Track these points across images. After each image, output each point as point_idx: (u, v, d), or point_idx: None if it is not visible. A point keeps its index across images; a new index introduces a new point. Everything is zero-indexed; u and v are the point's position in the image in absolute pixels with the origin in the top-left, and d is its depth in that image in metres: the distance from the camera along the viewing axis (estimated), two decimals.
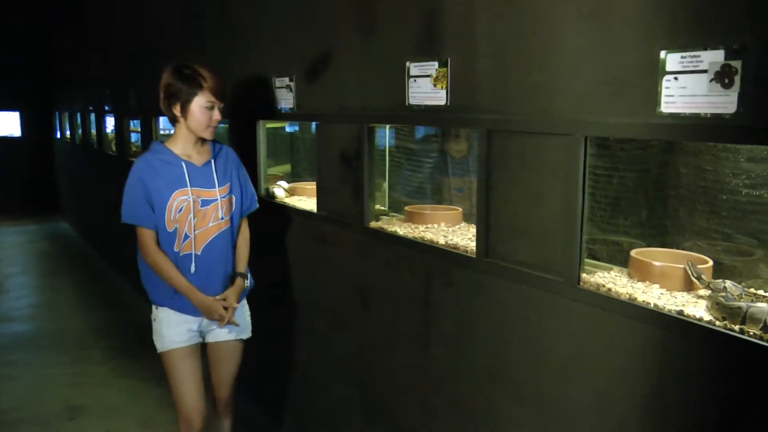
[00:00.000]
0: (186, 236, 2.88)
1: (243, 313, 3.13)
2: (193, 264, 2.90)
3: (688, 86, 1.65)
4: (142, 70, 6.02)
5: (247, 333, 3.15)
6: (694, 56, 1.64)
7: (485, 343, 2.38)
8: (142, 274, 2.99)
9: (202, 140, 2.93)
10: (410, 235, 2.76)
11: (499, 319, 2.30)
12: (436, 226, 2.93)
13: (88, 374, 4.92)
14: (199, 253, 2.91)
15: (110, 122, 7.68)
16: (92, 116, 8.55)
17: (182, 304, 2.92)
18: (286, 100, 3.44)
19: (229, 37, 4.17)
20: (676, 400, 1.77)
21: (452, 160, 3.48)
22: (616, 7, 1.84)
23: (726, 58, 1.58)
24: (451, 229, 2.89)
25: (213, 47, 4.40)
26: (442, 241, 2.62)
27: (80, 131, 9.51)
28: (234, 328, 3.07)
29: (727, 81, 1.58)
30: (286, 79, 3.39)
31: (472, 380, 2.46)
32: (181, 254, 2.88)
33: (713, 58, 1.61)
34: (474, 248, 2.42)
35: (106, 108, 7.64)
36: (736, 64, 1.56)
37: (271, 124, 3.99)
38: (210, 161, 2.95)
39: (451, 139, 3.50)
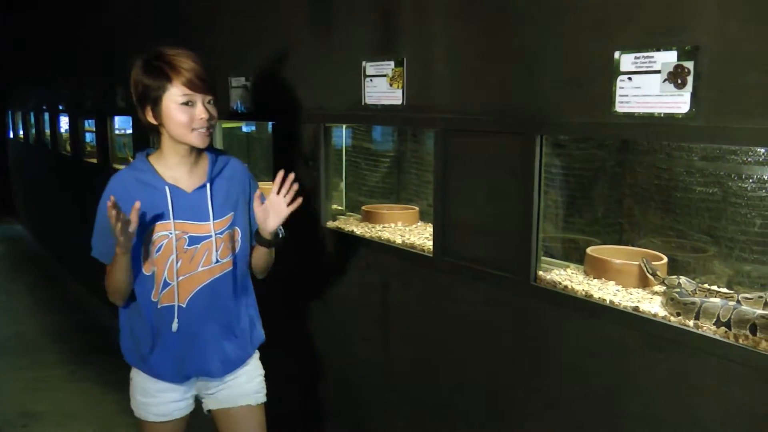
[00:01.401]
0: (166, 283, 2.14)
1: (254, 374, 2.37)
2: (175, 320, 2.16)
3: (642, 86, 1.66)
4: (96, 69, 5.89)
5: (260, 397, 2.37)
6: (648, 57, 1.65)
7: (443, 341, 2.37)
8: (120, 328, 2.31)
9: (197, 152, 2.16)
10: (367, 235, 2.74)
11: (457, 318, 2.29)
12: (393, 225, 2.91)
13: (43, 379, 4.78)
14: (183, 306, 2.16)
15: (65, 122, 7.52)
16: (46, 115, 8.37)
17: (160, 368, 2.22)
18: (241, 99, 3.38)
19: (183, 35, 4.09)
20: (633, 396, 1.78)
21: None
22: (570, 8, 1.84)
23: (678, 59, 1.59)
24: (408, 229, 2.86)
25: (168, 45, 4.31)
26: (399, 240, 2.60)
27: (34, 131, 9.30)
28: (243, 392, 2.33)
29: (679, 81, 1.58)
30: (242, 79, 3.34)
31: (430, 378, 2.44)
32: (159, 306, 2.15)
33: (666, 58, 1.61)
34: (431, 247, 2.40)
35: (60, 107, 7.48)
36: (689, 64, 1.57)
37: (227, 124, 3.93)
38: (204, 185, 2.16)
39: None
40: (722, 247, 2.07)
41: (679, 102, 1.59)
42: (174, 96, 2.05)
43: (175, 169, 2.14)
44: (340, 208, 3.16)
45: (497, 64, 2.05)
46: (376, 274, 2.64)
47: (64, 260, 7.86)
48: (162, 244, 2.11)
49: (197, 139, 2.08)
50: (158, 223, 2.10)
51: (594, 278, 2.09)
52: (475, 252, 2.20)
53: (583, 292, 1.94)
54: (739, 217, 2.00)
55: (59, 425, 4.09)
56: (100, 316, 5.93)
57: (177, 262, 2.13)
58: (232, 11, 3.50)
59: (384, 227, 2.88)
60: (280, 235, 2.24)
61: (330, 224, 2.93)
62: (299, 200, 2.13)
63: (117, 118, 5.69)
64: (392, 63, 2.41)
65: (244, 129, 4.62)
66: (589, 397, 1.89)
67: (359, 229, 2.84)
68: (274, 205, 2.13)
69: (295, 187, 2.14)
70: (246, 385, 2.32)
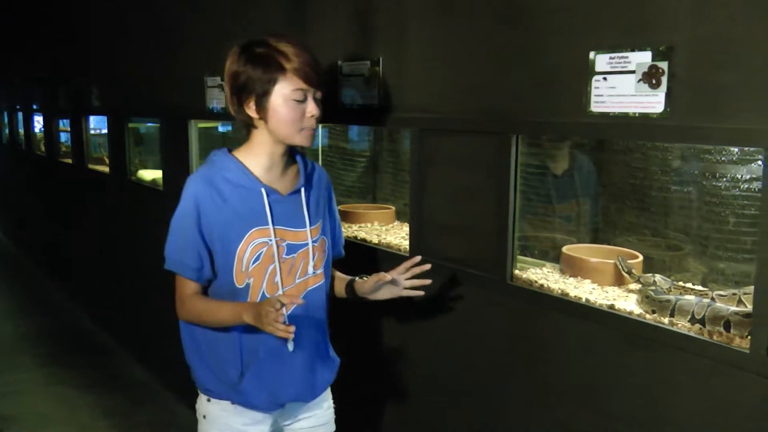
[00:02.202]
0: (265, 297, 1.87)
1: (330, 402, 2.16)
2: (291, 338, 1.87)
3: (617, 86, 1.65)
4: (70, 68, 5.81)
5: (332, 426, 2.16)
6: (622, 57, 1.64)
7: (418, 340, 2.35)
8: (186, 346, 2.00)
9: (290, 153, 1.95)
10: (343, 235, 2.71)
11: (433, 317, 2.27)
12: (369, 225, 2.89)
13: (19, 383, 4.70)
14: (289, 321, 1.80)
15: (39, 121, 7.41)
16: (20, 115, 8.24)
17: (253, 396, 1.93)
18: (218, 99, 3.34)
19: (158, 34, 4.04)
20: (608, 393, 1.77)
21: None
22: (545, 9, 1.83)
23: (653, 59, 1.58)
24: (384, 228, 2.85)
25: (142, 44, 4.26)
26: (375, 240, 2.58)
27: (7, 131, 9.16)
28: (322, 422, 2.11)
29: (654, 81, 1.58)
30: (218, 79, 3.30)
31: (404, 378, 2.43)
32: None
33: (641, 59, 1.61)
34: (407, 247, 2.38)
35: (35, 107, 7.37)
36: (663, 65, 1.57)
37: (203, 124, 3.88)
38: (299, 189, 1.95)
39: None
40: (697, 246, 2.07)
41: (654, 102, 1.59)
42: (285, 89, 1.81)
43: (269, 169, 1.91)
44: None
45: (473, 63, 2.04)
46: (352, 273, 2.62)
47: (40, 262, 7.75)
48: (261, 253, 1.86)
49: (305, 139, 1.86)
50: (254, 229, 1.86)
51: (570, 277, 2.08)
52: (452, 251, 2.19)
53: (559, 291, 1.94)
54: (713, 215, 2.01)
55: (36, 429, 4.02)
56: (77, 319, 5.86)
57: (279, 272, 1.89)
58: (207, 10, 3.46)
59: (360, 227, 2.86)
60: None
61: None
62: (419, 289, 2.00)
63: (92, 118, 5.61)
64: (368, 63, 2.40)
65: (220, 129, 4.58)
66: (565, 395, 1.88)
67: None
68: (396, 282, 1.98)
69: (426, 281, 1.99)
70: (326, 414, 2.12)
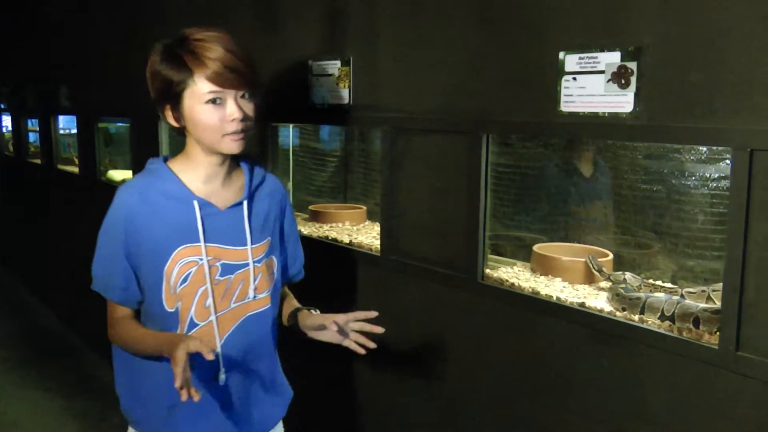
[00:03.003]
0: (193, 324, 1.65)
1: None
2: (221, 370, 1.67)
3: (587, 86, 1.65)
4: (38, 66, 5.71)
5: None
6: (592, 57, 1.64)
7: (390, 340, 2.33)
8: (115, 371, 1.79)
9: (232, 160, 1.71)
10: (315, 235, 2.69)
11: (404, 316, 2.26)
12: (340, 224, 2.87)
13: None
14: (219, 350, 1.66)
15: (7, 121, 7.28)
16: None
17: (187, 427, 1.71)
18: None
19: (128, 33, 3.98)
20: (580, 390, 1.77)
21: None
22: (515, 9, 1.82)
23: (622, 60, 1.58)
24: (355, 228, 2.83)
25: (110, 43, 4.19)
26: (346, 239, 2.56)
27: None
28: None
29: (623, 81, 1.58)
30: None
31: (376, 377, 2.41)
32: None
33: (610, 59, 1.60)
34: (379, 246, 2.36)
35: (2, 106, 7.24)
36: (632, 65, 1.56)
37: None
38: (240, 203, 1.71)
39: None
40: (666, 243, 2.08)
41: (623, 102, 1.59)
42: (197, 92, 1.57)
43: (206, 181, 1.68)
44: None
45: (443, 63, 2.02)
46: (323, 273, 2.59)
47: (8, 263, 7.61)
48: (190, 273, 1.63)
49: (230, 146, 1.60)
50: (183, 246, 1.63)
51: (541, 275, 2.08)
52: (423, 251, 2.17)
53: (530, 290, 1.93)
54: (682, 213, 2.02)
55: None
56: (46, 322, 5.75)
57: (211, 296, 1.65)
58: (176, 10, 3.41)
59: (332, 227, 2.83)
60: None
61: None
62: (359, 350, 1.75)
63: (61, 118, 5.50)
64: (339, 62, 2.37)
65: None
66: (536, 392, 1.87)
67: (307, 229, 2.79)
68: (340, 330, 1.74)
69: (369, 343, 1.76)
70: None
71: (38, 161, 5.95)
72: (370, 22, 2.26)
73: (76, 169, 5.06)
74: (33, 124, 6.36)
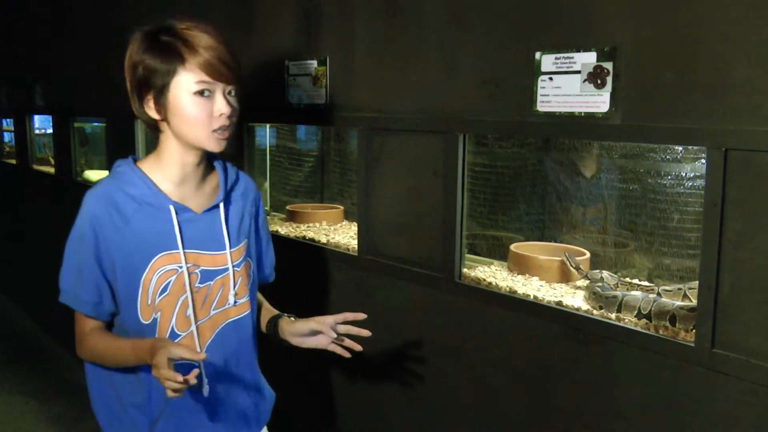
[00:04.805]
0: (174, 334, 1.56)
1: None
2: (205, 381, 1.56)
3: (563, 86, 1.63)
4: (13, 66, 5.61)
5: None
6: (568, 57, 1.62)
7: (367, 340, 2.31)
8: (90, 388, 1.68)
9: (206, 160, 1.61)
10: (292, 235, 2.66)
11: (381, 316, 2.23)
12: (317, 224, 2.84)
13: None
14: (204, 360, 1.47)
15: None
16: None
17: None
18: None
19: (103, 33, 3.91)
20: (558, 388, 1.76)
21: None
22: (492, 8, 1.80)
23: (598, 60, 1.57)
24: (332, 228, 2.79)
25: (87, 43, 4.12)
26: (323, 239, 2.53)
27: None
28: None
29: (599, 81, 1.57)
30: None
31: (353, 376, 2.38)
32: None
33: (586, 59, 1.59)
34: (356, 246, 2.34)
35: None
36: (608, 65, 1.55)
37: None
38: (216, 206, 1.62)
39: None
40: (642, 242, 2.07)
41: (599, 102, 1.58)
42: (186, 82, 1.47)
43: (180, 183, 1.57)
44: (265, 208, 3.06)
45: (420, 63, 2.00)
46: (301, 273, 2.57)
47: None
48: (169, 282, 1.53)
49: (214, 143, 1.51)
50: (161, 254, 1.53)
51: (518, 274, 2.06)
52: (400, 250, 2.15)
53: (508, 289, 1.91)
54: (658, 212, 2.01)
55: None
56: (18, 325, 5.65)
57: (191, 305, 1.56)
58: (152, 9, 3.36)
59: (309, 227, 2.80)
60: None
61: None
62: (345, 353, 1.68)
63: (36, 117, 5.41)
64: (315, 62, 2.34)
65: None
66: (514, 391, 1.86)
67: (284, 229, 2.76)
68: (325, 335, 1.67)
69: (355, 346, 1.69)
70: None
71: (13, 161, 5.85)
72: (347, 23, 2.23)
73: (51, 170, 4.97)
74: (8, 124, 6.25)
